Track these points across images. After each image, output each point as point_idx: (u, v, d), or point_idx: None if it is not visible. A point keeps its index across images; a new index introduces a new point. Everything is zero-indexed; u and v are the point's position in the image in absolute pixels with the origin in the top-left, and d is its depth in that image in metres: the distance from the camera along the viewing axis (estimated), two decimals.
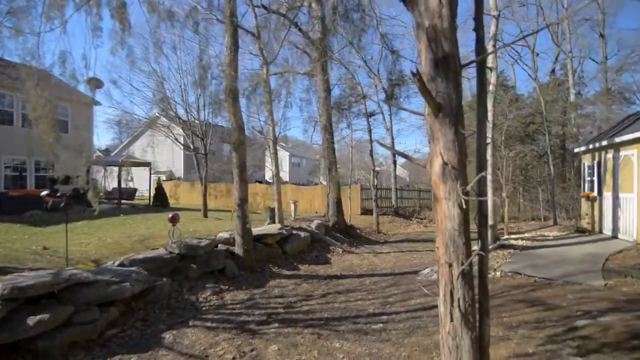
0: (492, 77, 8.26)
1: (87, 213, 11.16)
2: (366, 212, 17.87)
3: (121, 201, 15.17)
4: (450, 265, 1.67)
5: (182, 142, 15.61)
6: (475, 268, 1.82)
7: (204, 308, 5.36)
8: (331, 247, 10.33)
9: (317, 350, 3.89)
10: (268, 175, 32.18)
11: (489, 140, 8.23)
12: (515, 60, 21.88)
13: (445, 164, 1.62)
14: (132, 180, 20.27)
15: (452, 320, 1.66)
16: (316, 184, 30.30)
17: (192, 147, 13.98)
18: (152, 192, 16.39)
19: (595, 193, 9.52)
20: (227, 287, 6.26)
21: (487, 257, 1.81)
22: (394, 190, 20.12)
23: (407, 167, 42.64)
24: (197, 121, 13.81)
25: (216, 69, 12.74)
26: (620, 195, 8.16)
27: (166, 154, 25.30)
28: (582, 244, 8.20)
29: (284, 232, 8.87)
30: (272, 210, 10.89)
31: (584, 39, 22.09)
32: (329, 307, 5.44)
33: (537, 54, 21.14)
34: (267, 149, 14.87)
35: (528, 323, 4.15)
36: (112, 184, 20.48)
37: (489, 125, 8.11)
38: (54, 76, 4.49)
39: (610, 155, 8.63)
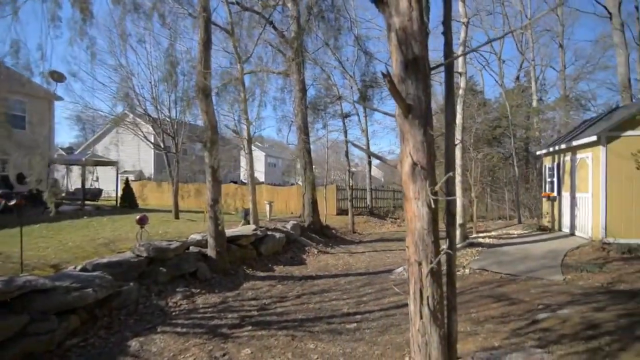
0: (461, 82, 8.57)
1: (45, 215, 10.46)
2: (342, 212, 18.03)
3: (85, 202, 14.34)
4: (420, 264, 1.69)
5: (152, 140, 15.00)
6: (445, 267, 1.86)
7: (173, 313, 5.17)
8: (306, 248, 10.31)
9: (291, 352, 3.85)
10: (243, 175, 31.67)
11: (457, 142, 8.54)
12: (483, 67, 22.96)
13: (414, 164, 1.65)
14: (97, 180, 19.23)
15: (421, 317, 1.69)
16: (292, 184, 30.18)
17: (162, 145, 13.47)
18: (120, 192, 15.63)
19: (555, 193, 10.12)
20: (198, 290, 6.08)
21: (455, 256, 1.85)
22: (369, 191, 20.43)
23: (382, 168, 43.46)
24: (167, 119, 13.32)
25: (186, 65, 12.35)
26: (577, 195, 8.72)
27: (134, 152, 24.24)
28: (543, 241, 8.68)
29: (259, 233, 8.75)
30: (246, 210, 10.70)
31: (546, 48, 23.60)
32: (304, 308, 5.41)
33: (504, 61, 22.29)
34: (242, 148, 14.62)
35: (494, 318, 4.33)
36: (75, 184, 19.33)
37: (458, 127, 8.41)
38: (7, 68, 4.15)
39: (568, 157, 9.20)
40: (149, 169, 28.02)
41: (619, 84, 13.87)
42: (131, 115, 15.41)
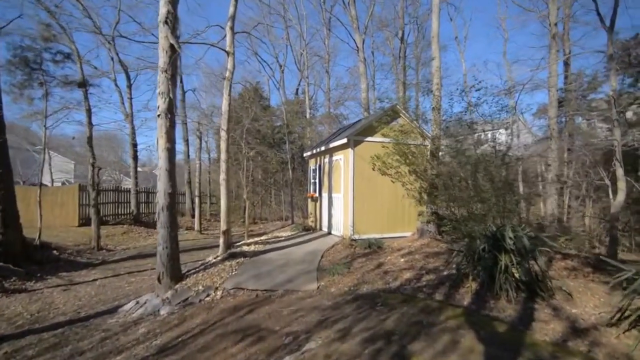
0: (229, 63, 7.21)
1: None
2: (89, 221, 13.28)
3: None
4: None
5: None
6: None
7: None
8: None
9: None
10: None
11: (223, 134, 7.10)
12: (270, 77, 23.77)
13: None
14: None
15: None
16: (32, 184, 20.37)
17: None
18: None
19: (317, 194, 10.64)
20: None
21: None
22: (135, 194, 16.25)
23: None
24: None
25: None
26: (333, 195, 9.26)
27: None
28: (306, 242, 8.61)
29: None
30: None
31: (318, 73, 27.22)
32: None
33: (283, 69, 23.77)
34: None
35: None
36: None
37: (224, 114, 6.98)
38: None
39: (327, 159, 9.74)
40: None
41: (362, 105, 17.14)
42: None
